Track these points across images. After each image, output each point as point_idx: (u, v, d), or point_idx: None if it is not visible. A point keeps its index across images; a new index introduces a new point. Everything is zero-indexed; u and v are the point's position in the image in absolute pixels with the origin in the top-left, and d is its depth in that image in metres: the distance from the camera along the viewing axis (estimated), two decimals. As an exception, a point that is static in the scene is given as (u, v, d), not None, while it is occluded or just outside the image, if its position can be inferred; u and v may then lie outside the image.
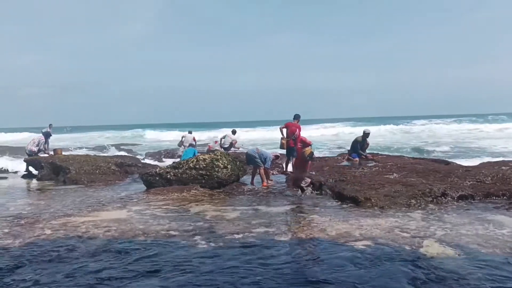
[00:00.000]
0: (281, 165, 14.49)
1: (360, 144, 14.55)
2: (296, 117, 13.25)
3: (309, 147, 9.62)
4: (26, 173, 16.39)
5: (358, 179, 10.50)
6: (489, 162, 13.06)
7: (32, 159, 16.57)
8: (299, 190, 10.31)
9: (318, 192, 10.36)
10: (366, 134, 14.64)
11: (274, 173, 14.38)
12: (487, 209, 8.17)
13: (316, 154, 15.21)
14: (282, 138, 13.33)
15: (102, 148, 30.93)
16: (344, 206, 8.74)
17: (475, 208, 8.28)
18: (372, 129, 19.26)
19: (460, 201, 8.82)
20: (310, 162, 11.41)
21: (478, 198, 8.99)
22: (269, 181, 11.78)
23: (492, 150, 25.80)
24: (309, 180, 10.56)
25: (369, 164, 12.93)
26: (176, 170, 11.62)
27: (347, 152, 15.73)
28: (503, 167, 11.24)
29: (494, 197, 9.02)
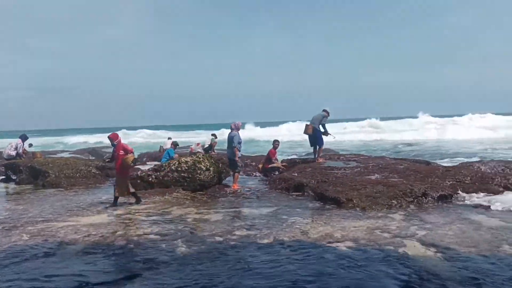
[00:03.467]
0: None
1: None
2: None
3: (131, 154, 9.34)
4: (4, 177, 16.06)
5: (340, 180, 10.53)
6: (467, 162, 13.26)
7: (10, 163, 16.25)
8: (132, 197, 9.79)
9: (301, 193, 10.37)
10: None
11: (257, 175, 14.41)
12: (466, 208, 8.28)
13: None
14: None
15: (83, 151, 30.54)
16: (326, 207, 8.76)
17: (455, 207, 8.39)
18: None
19: (440, 201, 8.93)
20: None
21: (458, 197, 9.11)
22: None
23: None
24: None
25: (351, 165, 12.98)
26: (158, 173, 11.53)
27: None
28: (481, 167, 11.44)
29: (474, 196, 9.14)
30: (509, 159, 14.42)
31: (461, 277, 4.73)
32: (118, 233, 7.00)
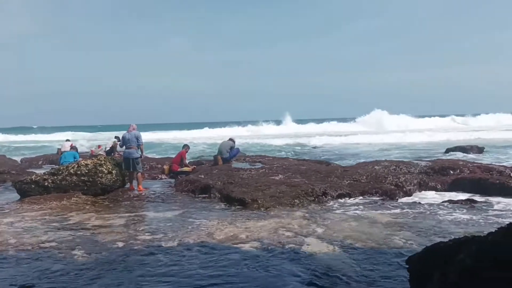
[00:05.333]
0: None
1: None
2: None
3: None
4: None
5: (246, 181, 10.70)
6: (364, 162, 14.15)
7: None
8: None
9: (207, 195, 10.36)
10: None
11: (163, 177, 14.13)
12: (362, 206, 8.83)
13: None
14: None
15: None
16: (232, 208, 8.84)
17: (352, 205, 8.90)
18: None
19: (339, 199, 9.43)
20: None
21: (355, 195, 9.69)
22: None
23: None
24: None
25: (257, 166, 13.25)
26: (55, 177, 10.80)
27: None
28: (376, 167, 12.28)
29: (369, 195, 9.80)
30: (400, 159, 15.62)
31: (357, 270, 5.04)
32: (8, 242, 6.46)
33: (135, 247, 6.13)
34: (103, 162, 11.19)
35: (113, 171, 11.09)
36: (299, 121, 72.07)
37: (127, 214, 8.50)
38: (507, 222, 2.98)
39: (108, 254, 5.81)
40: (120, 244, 6.28)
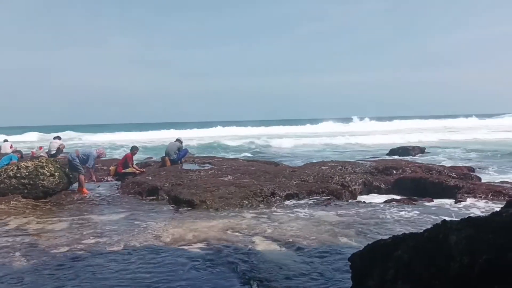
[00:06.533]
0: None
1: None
2: None
3: None
4: None
5: (195, 182, 10.63)
6: (311, 163, 14.42)
7: None
8: None
9: (155, 197, 10.20)
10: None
11: (109, 179, 13.75)
12: (309, 205, 9.00)
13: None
14: None
15: None
16: (180, 210, 8.75)
17: (300, 205, 9.05)
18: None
19: (287, 199, 9.56)
20: None
21: (302, 195, 9.86)
22: (95, 182, 11.94)
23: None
24: None
25: (206, 167, 13.19)
26: (-8, 180, 10.26)
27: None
28: (323, 167, 12.54)
29: (316, 194, 9.99)
30: (345, 160, 16.04)
31: (303, 268, 5.13)
32: None
33: (79, 252, 5.94)
34: (45, 164, 10.75)
35: (56, 173, 10.68)
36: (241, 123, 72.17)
37: (70, 218, 8.21)
38: (442, 220, 3.14)
39: (49, 260, 5.60)
40: (63, 249, 6.06)
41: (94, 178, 12.14)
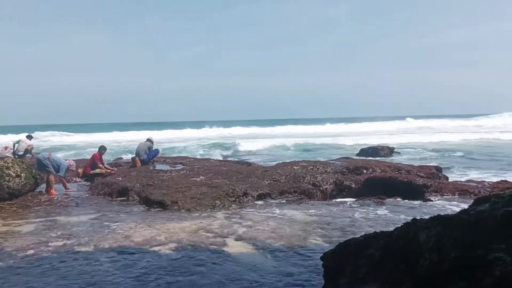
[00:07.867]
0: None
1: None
2: None
3: None
4: None
5: (166, 183, 10.52)
6: (283, 162, 14.46)
7: None
8: None
9: (125, 198, 10.04)
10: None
11: (77, 180, 13.46)
12: (282, 205, 9.03)
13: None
14: None
15: None
16: (151, 211, 8.64)
17: (272, 205, 9.07)
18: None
19: (259, 199, 9.56)
20: None
21: (275, 195, 9.89)
22: (67, 189, 11.38)
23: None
24: None
25: (178, 167, 13.08)
26: (-46, 182, 9.88)
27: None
28: (295, 167, 12.61)
29: (288, 194, 10.03)
30: (318, 159, 16.17)
31: (275, 267, 5.14)
32: None
33: (46, 254, 5.79)
34: (10, 164, 10.42)
35: (22, 174, 10.37)
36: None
37: (37, 220, 7.99)
38: (411, 218, 3.20)
39: (15, 262, 5.43)
40: (29, 252, 5.90)
41: (67, 186, 11.69)
